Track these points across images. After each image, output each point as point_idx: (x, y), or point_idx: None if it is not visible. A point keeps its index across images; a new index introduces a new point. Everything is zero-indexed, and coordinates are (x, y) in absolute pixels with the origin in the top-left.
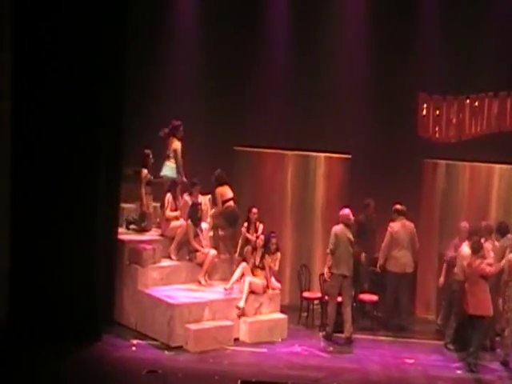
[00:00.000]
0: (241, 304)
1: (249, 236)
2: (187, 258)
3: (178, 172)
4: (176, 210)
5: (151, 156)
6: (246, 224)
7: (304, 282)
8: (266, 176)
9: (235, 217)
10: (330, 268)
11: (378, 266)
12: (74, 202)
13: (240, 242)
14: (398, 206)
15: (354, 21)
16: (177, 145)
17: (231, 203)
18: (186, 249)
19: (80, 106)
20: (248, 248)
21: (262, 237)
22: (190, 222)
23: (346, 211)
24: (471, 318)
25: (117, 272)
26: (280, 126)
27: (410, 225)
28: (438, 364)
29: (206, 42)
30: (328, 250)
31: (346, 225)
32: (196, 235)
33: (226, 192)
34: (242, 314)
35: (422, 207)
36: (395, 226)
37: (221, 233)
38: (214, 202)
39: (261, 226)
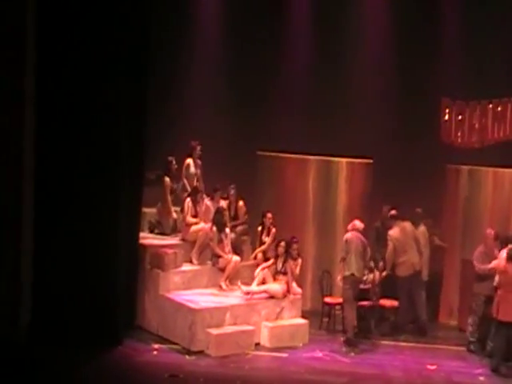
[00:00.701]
0: (250, 288)
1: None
2: (210, 262)
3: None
4: (196, 215)
5: (174, 162)
6: (259, 228)
7: (325, 288)
8: (289, 181)
9: None
10: (342, 274)
11: (383, 274)
12: (96, 205)
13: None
14: (393, 212)
15: (377, 25)
16: (187, 162)
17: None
18: (208, 253)
19: (102, 108)
20: (260, 256)
21: (282, 243)
22: (214, 228)
23: (355, 222)
24: (499, 325)
25: (138, 276)
26: (302, 131)
27: (407, 225)
28: (461, 370)
29: (230, 46)
30: (340, 258)
31: (357, 231)
32: (220, 241)
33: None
34: (246, 292)
35: (445, 213)
36: (394, 232)
37: (244, 238)
38: (235, 213)
39: (273, 230)
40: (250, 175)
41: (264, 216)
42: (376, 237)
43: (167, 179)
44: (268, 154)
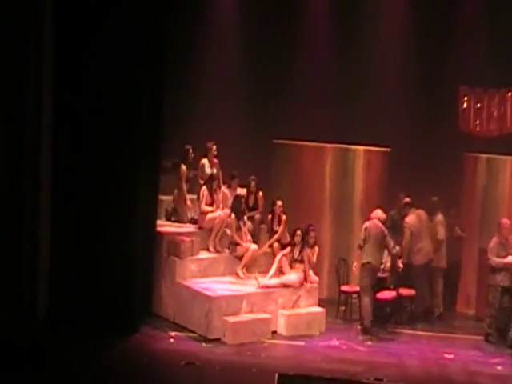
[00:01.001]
0: (263, 280)
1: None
2: (227, 250)
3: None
4: (212, 203)
5: (191, 151)
6: (270, 216)
7: (342, 276)
8: (305, 169)
9: None
10: (358, 261)
11: (401, 263)
12: (114, 193)
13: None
14: (407, 199)
15: (395, 13)
16: (202, 162)
17: None
18: (225, 241)
19: (121, 95)
20: (276, 245)
21: (299, 232)
22: (232, 215)
23: (377, 211)
24: None
25: (155, 264)
26: (319, 119)
27: (422, 213)
28: (478, 359)
29: (246, 35)
30: (357, 245)
31: (378, 219)
32: (238, 228)
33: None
34: (262, 286)
35: (463, 202)
36: (410, 219)
37: (262, 226)
38: (255, 203)
39: (284, 218)
40: (265, 163)
41: (274, 204)
42: (392, 225)
43: (183, 167)
44: (284, 142)
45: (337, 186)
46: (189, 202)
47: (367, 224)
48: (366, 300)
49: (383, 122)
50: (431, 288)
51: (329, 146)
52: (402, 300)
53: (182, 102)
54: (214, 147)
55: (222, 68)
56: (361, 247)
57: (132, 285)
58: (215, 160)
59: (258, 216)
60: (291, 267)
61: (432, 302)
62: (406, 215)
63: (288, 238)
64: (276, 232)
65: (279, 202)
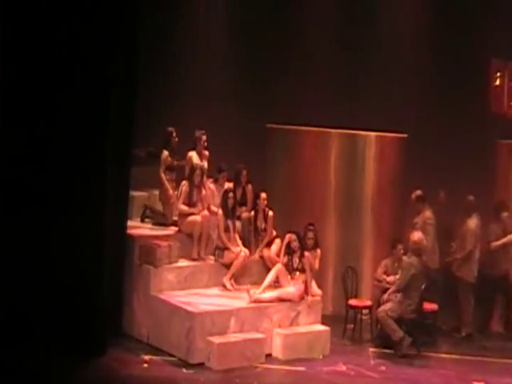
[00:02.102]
0: (256, 293)
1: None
2: (212, 257)
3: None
4: (194, 202)
5: (175, 135)
6: (252, 213)
7: (350, 287)
8: (305, 158)
9: None
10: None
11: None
12: (74, 189)
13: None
14: (419, 192)
15: None
16: (190, 155)
17: None
18: (211, 246)
19: (84, 70)
20: (266, 253)
21: (293, 237)
22: (220, 212)
23: (417, 236)
24: None
25: (126, 273)
26: (322, 100)
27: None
28: None
29: (237, 10)
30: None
31: (418, 255)
32: (226, 229)
33: None
34: (254, 301)
35: (496, 196)
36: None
37: (252, 228)
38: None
39: (270, 214)
40: (258, 153)
41: (258, 197)
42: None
43: (165, 153)
44: (280, 126)
45: (343, 178)
46: (173, 198)
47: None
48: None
49: (399, 104)
50: (458, 304)
51: (333, 131)
52: (423, 315)
53: (161, 84)
54: (204, 137)
55: (206, 45)
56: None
57: (97, 299)
58: (205, 152)
59: (246, 214)
60: (291, 278)
61: (459, 319)
62: (420, 211)
63: (274, 234)
64: (263, 230)
65: (263, 195)
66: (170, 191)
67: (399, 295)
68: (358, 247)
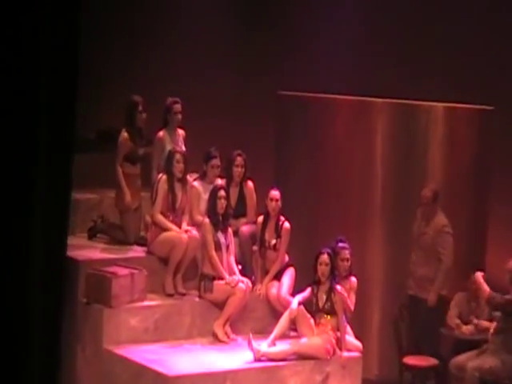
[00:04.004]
0: (262, 347)
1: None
2: (198, 290)
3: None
4: (173, 209)
5: (141, 107)
6: (260, 219)
7: (406, 337)
8: (337, 141)
9: None
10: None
11: None
12: None
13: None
14: (432, 188)
15: None
16: (160, 135)
17: None
18: (192, 274)
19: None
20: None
21: (325, 257)
22: (207, 221)
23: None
24: None
25: (65, 318)
26: (361, 62)
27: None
28: None
29: None
30: None
31: None
32: (218, 247)
33: None
34: (260, 357)
35: None
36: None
37: (255, 248)
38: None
39: (286, 226)
40: (264, 132)
41: (270, 198)
42: None
43: (125, 135)
44: (300, 94)
45: (395, 170)
46: (135, 202)
47: None
48: None
49: (476, 63)
50: None
51: (380, 101)
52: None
53: (125, 38)
54: (178, 106)
55: None
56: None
57: (24, 354)
58: (180, 131)
59: (246, 228)
60: (316, 323)
61: None
62: (434, 213)
63: (286, 259)
64: (274, 249)
65: (274, 193)
66: (128, 196)
67: (501, 347)
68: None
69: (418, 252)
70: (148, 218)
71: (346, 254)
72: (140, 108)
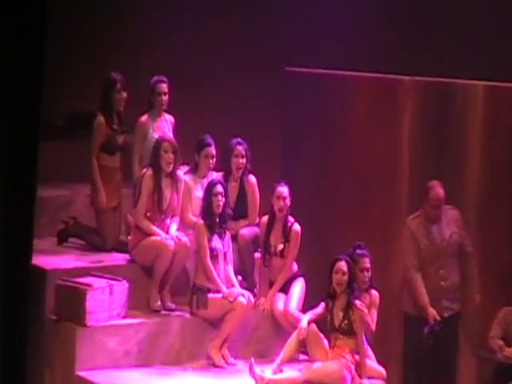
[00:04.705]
0: (266, 374)
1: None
2: (190, 306)
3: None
4: (161, 209)
5: (119, 86)
6: (264, 220)
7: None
8: (356, 125)
9: None
10: None
11: None
12: None
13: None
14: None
15: None
16: (142, 120)
17: None
18: (184, 286)
19: None
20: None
21: (343, 264)
22: (201, 222)
23: None
24: None
25: (30, 337)
26: (383, 37)
27: None
28: None
29: None
30: None
31: None
32: (214, 254)
33: None
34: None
35: None
36: None
37: (257, 255)
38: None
39: (296, 227)
40: (270, 115)
41: (272, 193)
42: None
43: (101, 120)
44: (310, 71)
45: (425, 160)
46: (112, 202)
47: None
48: None
49: None
50: None
51: (408, 79)
52: None
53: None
54: (163, 86)
55: None
56: None
57: None
58: (169, 117)
59: (247, 231)
60: (331, 345)
61: None
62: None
63: (295, 268)
64: (281, 256)
65: (281, 189)
66: (103, 193)
67: None
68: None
69: (445, 260)
70: (130, 218)
71: (366, 262)
72: (118, 86)
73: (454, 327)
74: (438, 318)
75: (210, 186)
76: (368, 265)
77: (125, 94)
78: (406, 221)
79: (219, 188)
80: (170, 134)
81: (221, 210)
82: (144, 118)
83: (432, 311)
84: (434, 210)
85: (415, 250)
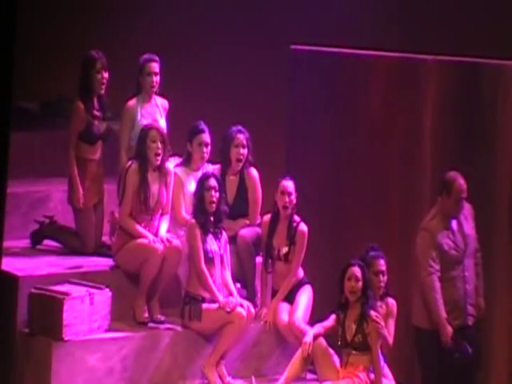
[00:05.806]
0: None
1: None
2: (182, 318)
3: None
4: (148, 207)
5: (99, 65)
6: (267, 219)
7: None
8: (371, 109)
9: None
10: None
11: None
12: None
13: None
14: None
15: None
16: (130, 105)
17: None
18: (174, 296)
19: None
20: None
21: (356, 270)
22: (192, 221)
23: None
24: None
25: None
26: (401, 14)
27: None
28: None
29: None
30: None
31: None
32: (209, 258)
33: None
34: None
35: None
36: None
37: (259, 260)
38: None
39: (302, 227)
40: (274, 100)
41: (276, 189)
42: None
43: (80, 106)
44: (319, 49)
45: (452, 150)
46: (92, 199)
47: None
48: None
49: None
50: None
51: (431, 58)
52: None
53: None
54: (154, 65)
55: None
56: None
57: None
58: (160, 101)
59: (247, 232)
60: (342, 362)
61: None
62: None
63: (302, 274)
64: (285, 260)
65: (286, 184)
66: (80, 189)
67: None
68: (483, 290)
69: (468, 260)
70: (117, 216)
71: (381, 264)
72: (98, 66)
73: (478, 337)
74: (456, 338)
75: (202, 179)
76: (383, 267)
77: (106, 75)
78: (422, 225)
79: (212, 182)
80: (163, 121)
81: (214, 206)
82: (132, 102)
83: (450, 330)
84: (457, 204)
85: (437, 254)
